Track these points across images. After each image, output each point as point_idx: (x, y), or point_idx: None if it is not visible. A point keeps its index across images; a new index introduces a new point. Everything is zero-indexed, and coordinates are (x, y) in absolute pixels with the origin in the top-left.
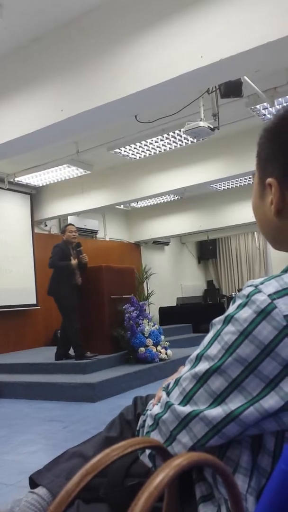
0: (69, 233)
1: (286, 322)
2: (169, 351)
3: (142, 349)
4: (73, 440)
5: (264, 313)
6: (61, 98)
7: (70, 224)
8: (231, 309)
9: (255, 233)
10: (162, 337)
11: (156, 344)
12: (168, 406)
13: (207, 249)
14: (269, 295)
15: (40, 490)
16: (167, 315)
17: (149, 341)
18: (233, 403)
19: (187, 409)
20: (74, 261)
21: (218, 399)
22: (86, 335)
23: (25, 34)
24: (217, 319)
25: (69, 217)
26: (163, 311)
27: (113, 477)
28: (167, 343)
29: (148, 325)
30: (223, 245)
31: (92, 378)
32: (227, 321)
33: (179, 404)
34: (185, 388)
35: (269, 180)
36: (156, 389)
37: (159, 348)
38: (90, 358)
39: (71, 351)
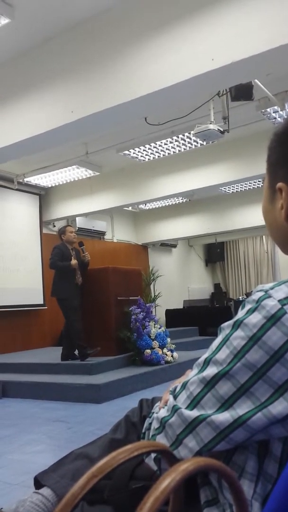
0: (70, 233)
1: None
2: (175, 354)
3: (148, 351)
4: (78, 440)
5: (274, 319)
6: (71, 99)
7: (69, 226)
8: (241, 314)
9: (264, 236)
10: (168, 339)
11: (162, 347)
12: (175, 409)
13: (215, 252)
14: (279, 301)
15: (45, 491)
16: (173, 317)
17: (155, 343)
18: (241, 409)
19: (194, 413)
20: (74, 261)
21: (226, 404)
22: (92, 336)
23: (36, 35)
24: (226, 323)
25: (77, 218)
26: (170, 313)
27: (118, 479)
28: (173, 345)
29: (154, 327)
30: (231, 248)
31: (98, 379)
32: (236, 326)
33: (186, 408)
34: (193, 392)
35: (279, 184)
36: (162, 392)
37: (165, 350)
38: (92, 354)
39: (77, 352)
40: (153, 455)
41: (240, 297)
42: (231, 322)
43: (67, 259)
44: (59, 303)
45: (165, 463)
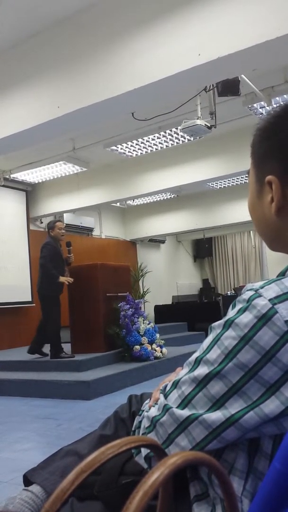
0: (58, 230)
1: (287, 327)
2: (164, 349)
3: (137, 347)
4: (67, 438)
5: (265, 318)
6: (58, 95)
7: (59, 221)
8: (231, 313)
9: (251, 232)
10: (157, 335)
11: (151, 342)
12: (166, 409)
13: (203, 248)
14: (269, 300)
15: (34, 488)
16: (162, 313)
17: (144, 339)
18: (233, 408)
19: (185, 412)
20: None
21: (218, 403)
22: (81, 333)
23: (22, 30)
24: (216, 323)
25: (64, 215)
26: (159, 309)
27: (108, 475)
28: (162, 341)
29: (143, 323)
30: (219, 243)
31: (87, 376)
32: (227, 325)
33: (177, 407)
34: (184, 392)
35: (269, 177)
36: (151, 387)
37: (154, 346)
38: (65, 358)
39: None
40: (143, 453)
41: (229, 292)
42: (222, 321)
43: (59, 256)
44: (45, 299)
45: (155, 461)
